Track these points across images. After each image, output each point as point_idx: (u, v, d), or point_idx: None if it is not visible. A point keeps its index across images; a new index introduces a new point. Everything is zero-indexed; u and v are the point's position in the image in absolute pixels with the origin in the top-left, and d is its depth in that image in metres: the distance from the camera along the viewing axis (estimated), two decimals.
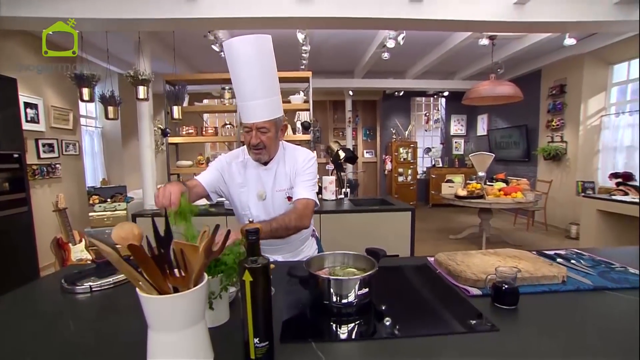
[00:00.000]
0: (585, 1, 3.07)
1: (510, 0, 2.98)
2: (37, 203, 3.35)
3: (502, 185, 4.11)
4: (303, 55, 4.22)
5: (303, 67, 4.79)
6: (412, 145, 7.26)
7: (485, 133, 7.05)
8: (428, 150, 7.79)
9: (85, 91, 2.93)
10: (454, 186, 4.28)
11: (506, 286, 0.86)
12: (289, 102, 4.02)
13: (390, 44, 3.77)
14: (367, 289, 0.85)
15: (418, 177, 7.49)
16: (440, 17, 2.98)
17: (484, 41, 3.86)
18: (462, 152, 7.69)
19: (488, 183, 4.49)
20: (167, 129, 3.40)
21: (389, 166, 7.40)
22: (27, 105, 3.34)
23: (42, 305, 0.96)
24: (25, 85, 3.33)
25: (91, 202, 3.52)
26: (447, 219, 6.07)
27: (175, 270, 0.62)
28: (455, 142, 7.82)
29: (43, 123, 3.50)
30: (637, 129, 4.34)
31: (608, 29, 3.46)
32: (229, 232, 0.68)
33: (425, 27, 3.17)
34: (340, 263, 1.00)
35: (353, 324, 0.81)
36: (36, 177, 3.37)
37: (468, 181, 4.47)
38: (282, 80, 4.46)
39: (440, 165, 7.51)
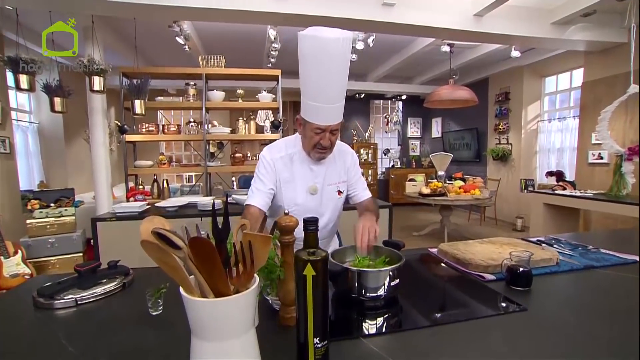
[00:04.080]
0: (529, 20, 3.47)
1: (470, 12, 3.24)
2: None
3: (461, 183, 4.43)
4: (272, 52, 4.13)
5: (270, 65, 4.70)
6: (372, 147, 7.50)
7: (439, 135, 7.54)
8: (387, 151, 8.10)
9: (24, 78, 2.53)
10: (417, 185, 4.50)
11: (521, 269, 0.92)
12: (257, 100, 3.92)
13: (359, 45, 3.85)
14: (398, 280, 0.85)
15: (378, 177, 7.76)
16: (409, 22, 3.13)
17: (446, 48, 4.13)
18: (418, 153, 8.13)
19: (447, 182, 4.80)
20: (125, 126, 3.08)
21: None
22: None
23: (17, 328, 0.80)
24: None
25: (29, 207, 3.05)
26: (408, 217, 6.36)
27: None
28: (412, 144, 8.26)
29: None
30: (565, 134, 4.98)
31: (545, 44, 3.94)
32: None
33: (395, 30, 3.30)
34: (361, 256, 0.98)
35: (387, 315, 0.80)
36: None
37: (429, 180, 4.73)
38: (249, 77, 4.26)
39: (399, 165, 7.86)
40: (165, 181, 3.64)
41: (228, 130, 3.94)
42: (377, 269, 0.83)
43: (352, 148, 6.59)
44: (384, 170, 8.13)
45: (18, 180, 3.56)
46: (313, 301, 0.57)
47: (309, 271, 0.56)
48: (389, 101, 8.18)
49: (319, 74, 1.06)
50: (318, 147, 1.18)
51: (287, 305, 0.74)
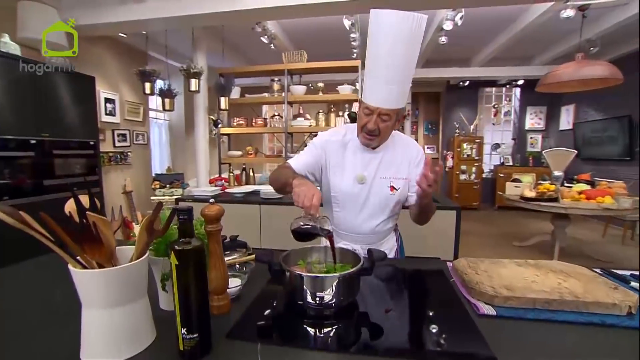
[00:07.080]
0: None
1: None
2: (110, 186, 3.85)
3: (585, 187, 3.43)
4: (352, 43, 4.06)
5: (355, 56, 4.63)
6: (477, 141, 6.56)
7: (570, 127, 6.01)
8: (496, 146, 6.96)
9: (147, 85, 3.23)
10: (521, 186, 3.71)
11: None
12: (337, 92, 3.93)
13: (448, 25, 3.39)
14: (355, 292, 0.73)
15: (483, 175, 6.76)
16: None
17: (568, 12, 3.19)
18: (539, 149, 6.69)
19: (566, 184, 3.80)
20: (219, 120, 3.58)
21: (449, 163, 6.83)
22: (107, 100, 3.83)
23: None
24: (104, 81, 3.80)
25: (152, 187, 3.91)
26: (515, 224, 5.34)
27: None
28: (531, 138, 6.84)
29: (118, 116, 3.98)
30: None
31: None
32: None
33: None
34: (323, 258, 0.89)
35: (319, 330, 0.70)
36: (111, 163, 3.85)
37: (540, 181, 3.84)
38: (329, 70, 4.27)
39: (510, 163, 6.65)
40: (251, 170, 4.06)
41: (308, 123, 4.09)
42: (313, 274, 0.73)
43: (453, 142, 5.90)
44: (491, 168, 7.04)
45: (151, 165, 4.60)
46: (178, 291, 0.55)
47: (173, 260, 0.54)
48: (503, 88, 6.96)
49: (384, 48, 1.02)
50: (365, 130, 1.13)
51: (215, 294, 0.73)
